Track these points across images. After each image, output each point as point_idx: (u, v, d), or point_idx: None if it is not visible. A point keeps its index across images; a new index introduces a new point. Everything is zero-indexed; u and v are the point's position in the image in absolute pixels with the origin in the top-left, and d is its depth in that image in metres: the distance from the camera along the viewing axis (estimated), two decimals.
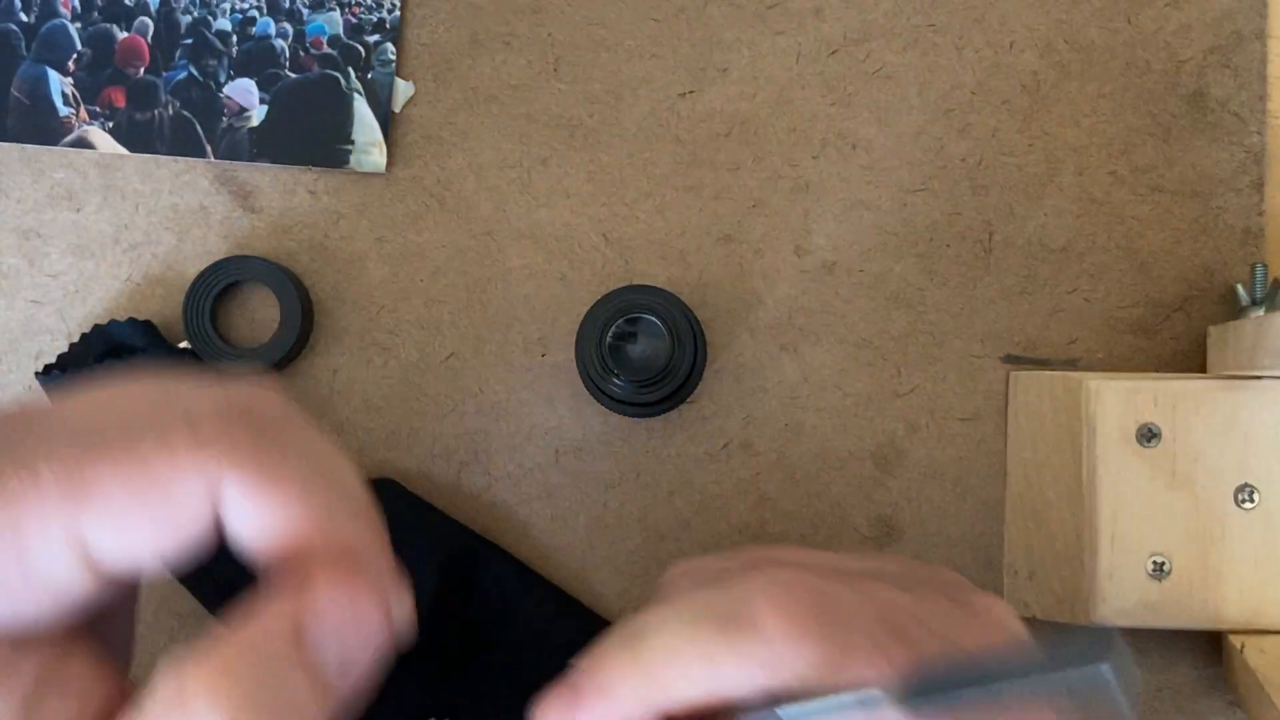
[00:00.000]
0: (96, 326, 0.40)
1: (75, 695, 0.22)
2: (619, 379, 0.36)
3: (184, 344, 0.41)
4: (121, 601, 0.24)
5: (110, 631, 0.25)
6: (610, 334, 0.36)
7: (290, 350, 0.41)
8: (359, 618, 0.22)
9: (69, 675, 0.22)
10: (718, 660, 0.25)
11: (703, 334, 0.37)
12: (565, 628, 0.41)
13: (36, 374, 0.40)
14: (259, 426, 0.22)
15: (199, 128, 0.42)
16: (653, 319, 0.36)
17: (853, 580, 0.27)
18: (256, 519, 0.21)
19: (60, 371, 0.39)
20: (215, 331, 0.41)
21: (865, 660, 0.24)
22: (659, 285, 0.39)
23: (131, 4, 0.42)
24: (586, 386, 0.38)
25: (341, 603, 0.22)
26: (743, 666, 0.25)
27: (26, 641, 0.22)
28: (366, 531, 0.22)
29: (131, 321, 0.40)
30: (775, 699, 0.25)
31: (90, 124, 0.42)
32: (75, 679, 0.22)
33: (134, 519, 0.21)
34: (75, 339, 0.41)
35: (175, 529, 0.21)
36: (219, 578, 0.37)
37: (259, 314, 0.42)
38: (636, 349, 0.36)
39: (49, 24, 0.42)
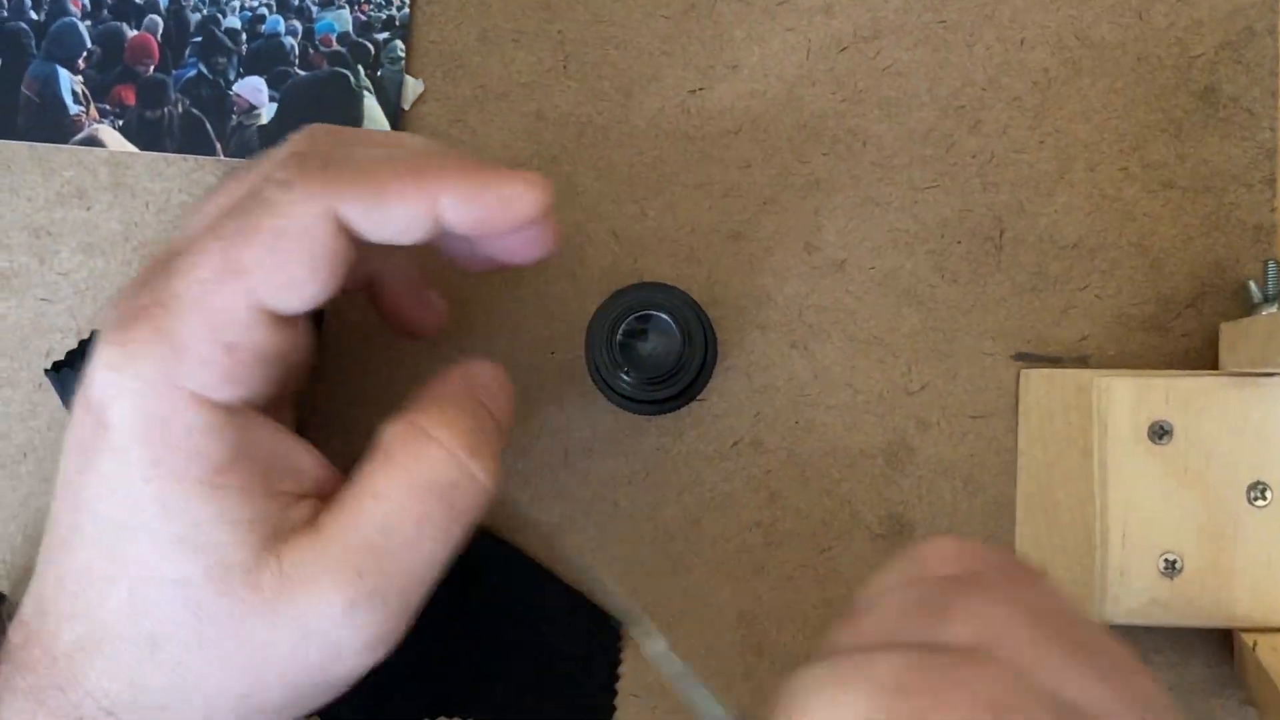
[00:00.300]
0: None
1: (296, 472, 0.29)
2: (629, 376, 0.36)
3: None
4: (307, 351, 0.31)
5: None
6: (620, 331, 0.35)
7: None
8: (503, 381, 0.32)
9: (290, 459, 0.29)
10: None
11: (713, 331, 0.37)
12: (575, 628, 0.41)
13: (46, 370, 0.40)
14: (324, 158, 0.28)
15: (209, 126, 0.42)
16: (663, 316, 0.36)
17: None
18: (375, 217, 0.28)
19: (70, 369, 0.39)
20: None
21: None
22: (669, 282, 0.39)
23: (141, 2, 0.42)
24: (596, 383, 0.38)
25: (491, 373, 0.32)
26: None
27: (255, 423, 0.28)
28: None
29: None
30: None
31: (100, 122, 0.42)
32: (294, 461, 0.29)
33: (286, 270, 0.27)
34: (85, 336, 0.41)
35: (319, 256, 0.27)
36: None
37: None
38: (647, 346, 0.35)
39: (59, 22, 0.42)
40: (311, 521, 0.28)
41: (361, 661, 0.29)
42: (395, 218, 0.28)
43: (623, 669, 0.41)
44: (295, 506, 0.28)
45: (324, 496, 0.29)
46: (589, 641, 0.41)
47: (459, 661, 0.40)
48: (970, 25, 0.42)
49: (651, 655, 0.28)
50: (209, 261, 0.27)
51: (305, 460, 0.29)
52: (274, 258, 0.27)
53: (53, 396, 0.41)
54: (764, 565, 0.41)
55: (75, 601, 0.28)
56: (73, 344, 0.41)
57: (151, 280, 0.27)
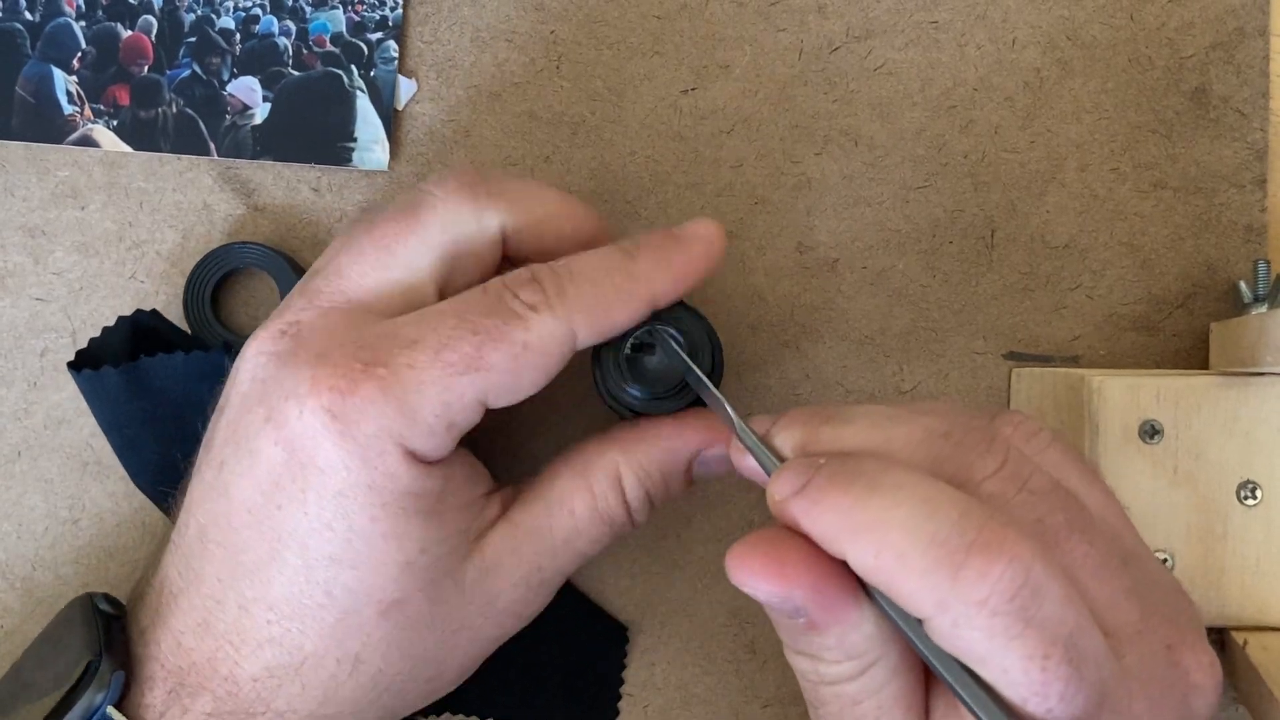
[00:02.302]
0: (120, 318, 0.40)
1: (480, 477, 0.33)
2: (636, 391, 0.35)
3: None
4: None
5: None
6: (628, 347, 0.35)
7: None
8: (723, 460, 0.33)
9: (470, 469, 0.33)
10: (927, 593, 0.24)
11: (720, 346, 0.36)
12: (581, 629, 0.41)
13: (69, 364, 0.40)
14: (562, 282, 0.31)
15: (202, 126, 0.42)
16: (671, 332, 0.35)
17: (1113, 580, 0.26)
18: (601, 335, 0.32)
19: (94, 370, 0.39)
20: (216, 318, 0.41)
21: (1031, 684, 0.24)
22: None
23: (135, 2, 0.42)
24: (601, 396, 0.37)
25: (720, 455, 0.34)
26: (934, 610, 0.24)
27: (450, 463, 0.31)
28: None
29: (155, 312, 0.40)
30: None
31: (95, 122, 0.42)
32: (471, 469, 0.33)
33: (518, 379, 0.30)
34: (79, 335, 0.41)
35: (548, 373, 0.31)
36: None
37: (260, 300, 0.42)
38: (654, 360, 0.34)
39: (53, 22, 0.42)
40: (505, 515, 0.32)
41: (517, 628, 0.33)
42: (618, 323, 0.32)
43: (626, 672, 0.41)
44: (489, 505, 0.32)
45: (499, 490, 0.33)
46: (595, 643, 0.41)
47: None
48: (962, 25, 0.42)
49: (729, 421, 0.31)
50: (458, 350, 0.29)
51: (479, 464, 0.33)
52: (514, 367, 0.30)
53: (48, 395, 0.41)
54: None
55: (270, 629, 0.30)
56: (68, 343, 0.41)
57: (372, 340, 0.30)
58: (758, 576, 0.26)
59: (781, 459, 0.29)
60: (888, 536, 0.24)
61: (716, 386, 0.35)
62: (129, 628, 0.32)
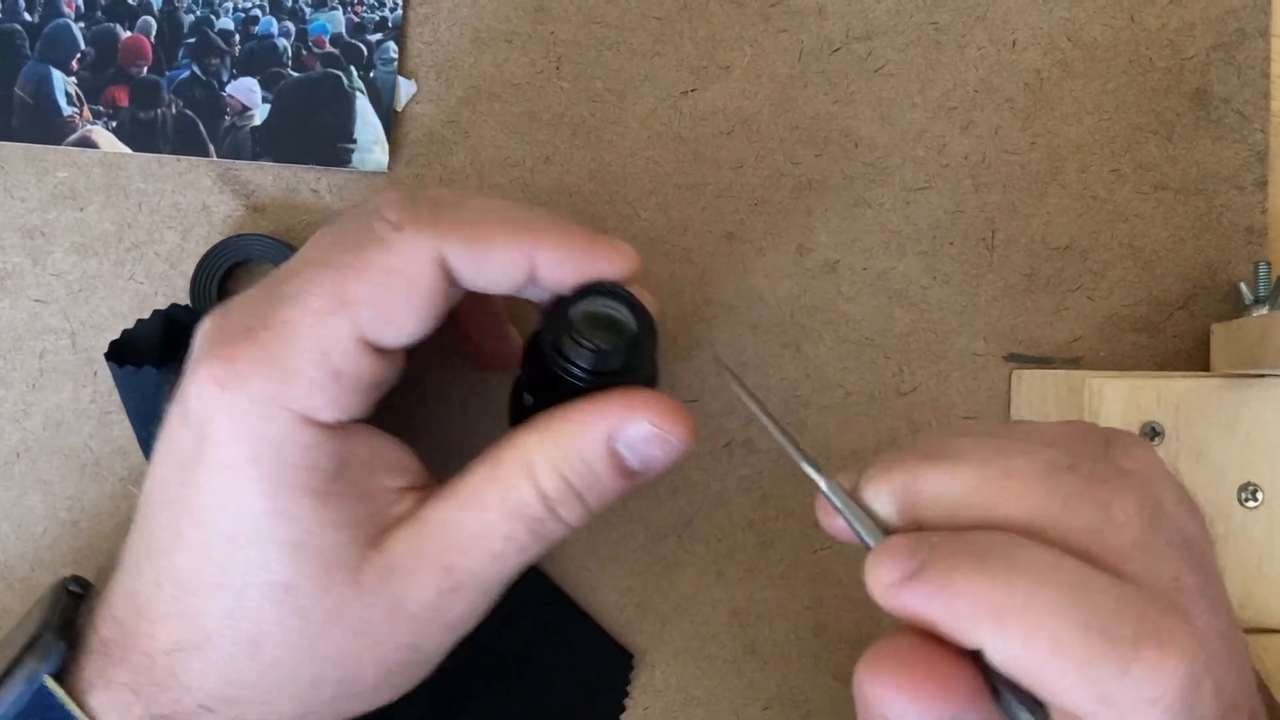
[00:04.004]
0: (156, 311, 0.40)
1: (395, 467, 0.30)
2: (580, 366, 0.31)
3: None
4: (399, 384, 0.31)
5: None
6: (579, 313, 0.31)
7: None
8: (659, 440, 0.30)
9: (386, 456, 0.30)
10: (1089, 687, 0.22)
11: (655, 341, 0.31)
12: (586, 653, 0.40)
13: (106, 355, 0.40)
14: (437, 205, 0.29)
15: (202, 127, 0.42)
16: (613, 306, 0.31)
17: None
18: (475, 265, 0.29)
19: (136, 366, 0.39)
20: None
21: None
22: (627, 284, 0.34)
23: (134, 3, 0.42)
24: (551, 371, 0.32)
25: (646, 433, 0.30)
26: (1096, 705, 0.22)
27: (355, 432, 0.29)
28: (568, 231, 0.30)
29: (188, 307, 0.40)
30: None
31: (94, 123, 0.42)
32: (391, 458, 0.30)
33: (390, 306, 0.28)
34: (78, 337, 0.41)
35: (423, 298, 0.29)
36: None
37: None
38: (601, 338, 0.30)
39: (52, 23, 0.42)
40: (414, 513, 0.30)
41: (445, 641, 0.31)
42: (494, 266, 0.29)
43: (629, 700, 0.41)
44: (399, 501, 0.30)
45: (421, 489, 0.31)
46: (599, 668, 0.41)
47: (467, 672, 0.40)
48: (962, 27, 0.42)
49: (824, 489, 0.27)
50: (321, 291, 0.28)
51: (404, 458, 0.31)
52: (382, 294, 0.28)
53: (47, 397, 0.41)
54: (756, 565, 0.41)
55: (175, 604, 0.29)
56: (67, 344, 0.41)
57: (259, 304, 0.29)
58: (914, 695, 0.23)
59: (879, 522, 0.26)
60: (1041, 621, 0.22)
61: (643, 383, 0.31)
62: (89, 605, 0.32)
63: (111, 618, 0.31)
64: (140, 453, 0.41)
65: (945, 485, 0.25)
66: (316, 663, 0.29)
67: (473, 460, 0.31)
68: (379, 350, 0.29)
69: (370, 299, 0.28)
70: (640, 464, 0.30)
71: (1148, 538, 0.24)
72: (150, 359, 0.38)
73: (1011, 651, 0.22)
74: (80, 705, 0.29)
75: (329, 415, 0.28)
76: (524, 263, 0.29)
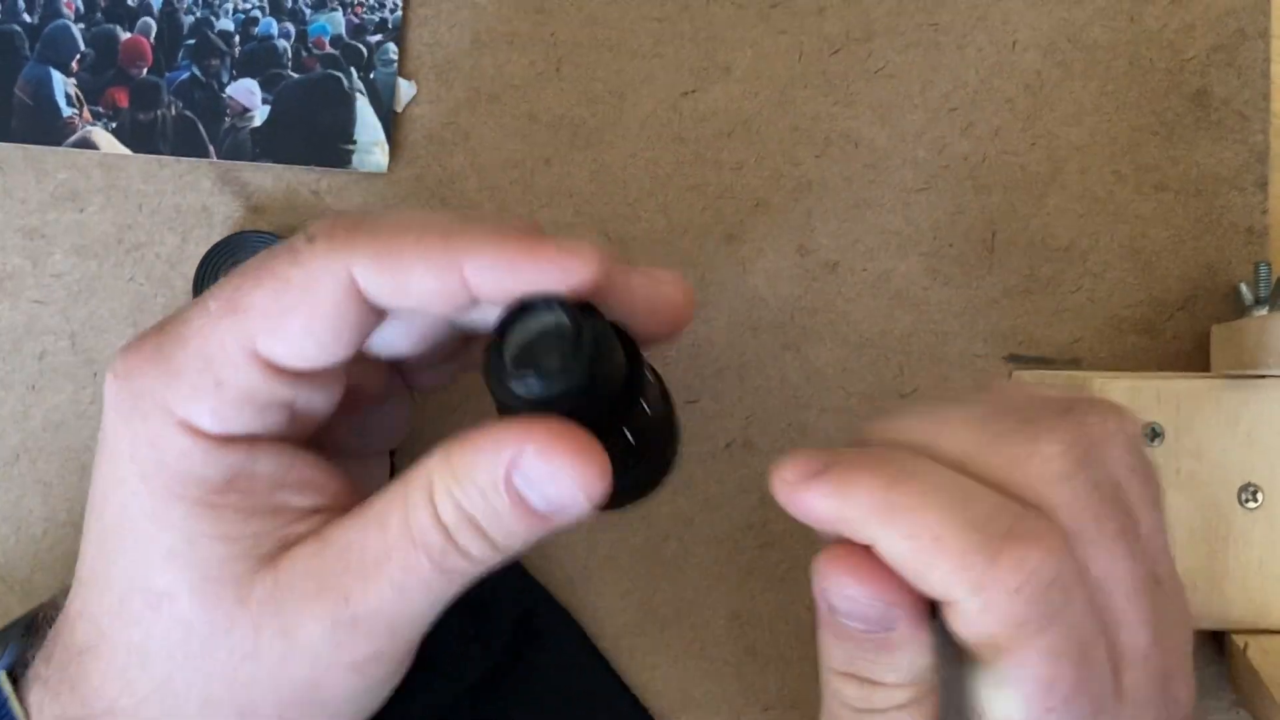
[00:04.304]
0: None
1: (309, 487, 0.28)
2: (522, 383, 0.25)
3: None
4: (337, 406, 0.29)
5: (347, 438, 0.32)
6: (512, 315, 0.26)
7: None
8: (558, 478, 0.25)
9: (299, 474, 0.28)
10: (962, 574, 0.24)
11: (631, 365, 0.26)
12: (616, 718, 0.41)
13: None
14: (356, 219, 0.27)
15: (202, 128, 0.42)
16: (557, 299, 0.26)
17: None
18: (390, 284, 0.26)
19: None
20: None
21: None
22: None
23: (134, 5, 0.42)
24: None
25: (549, 473, 0.25)
26: (967, 592, 0.24)
27: (259, 448, 0.27)
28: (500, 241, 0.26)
29: None
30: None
31: (93, 124, 0.42)
32: (306, 476, 0.28)
33: (285, 321, 0.26)
34: (78, 338, 0.41)
35: (323, 317, 0.26)
36: None
37: None
38: (552, 355, 0.25)
39: (52, 25, 0.42)
40: (317, 533, 0.27)
41: (351, 683, 0.28)
42: (413, 283, 0.26)
43: (627, 676, 0.41)
44: (302, 521, 0.28)
45: (341, 509, 0.28)
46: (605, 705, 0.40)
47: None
48: (962, 27, 0.42)
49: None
50: (218, 295, 0.27)
51: (320, 476, 0.28)
52: (275, 305, 0.26)
53: (47, 398, 0.41)
54: (756, 567, 0.41)
55: (80, 603, 0.28)
56: (66, 346, 0.41)
57: (182, 308, 0.28)
58: (858, 579, 0.25)
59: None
60: (924, 518, 0.24)
61: (621, 424, 0.26)
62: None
63: (59, 612, 0.30)
64: None
65: (884, 434, 0.27)
66: (207, 682, 0.27)
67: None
68: (277, 368, 0.26)
69: (262, 309, 0.26)
70: (545, 505, 0.26)
71: (1073, 473, 0.25)
72: None
73: (898, 547, 0.24)
74: (20, 698, 0.29)
75: (211, 426, 0.26)
76: (449, 277, 0.25)
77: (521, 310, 0.25)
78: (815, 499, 0.25)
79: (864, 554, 0.25)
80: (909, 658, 0.26)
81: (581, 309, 0.25)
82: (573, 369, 0.24)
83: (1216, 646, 0.40)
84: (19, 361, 0.41)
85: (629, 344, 0.27)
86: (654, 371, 0.27)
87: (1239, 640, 0.38)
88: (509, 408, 0.26)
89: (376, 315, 0.27)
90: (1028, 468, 0.25)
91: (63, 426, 0.41)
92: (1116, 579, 0.26)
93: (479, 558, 0.27)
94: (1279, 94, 0.42)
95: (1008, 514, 0.24)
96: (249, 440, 0.27)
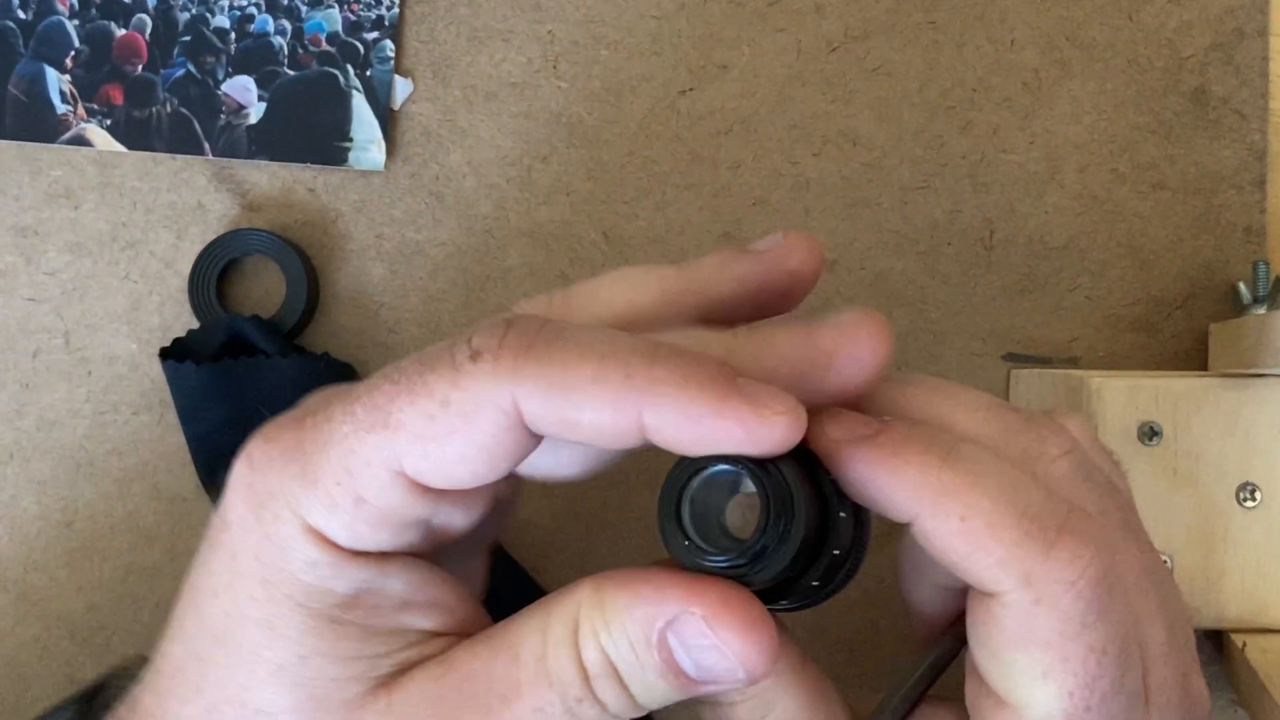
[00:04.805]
0: (224, 318, 0.40)
1: (436, 609, 0.25)
2: (716, 557, 0.23)
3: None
4: (478, 529, 0.27)
5: (472, 567, 0.29)
6: (700, 475, 0.24)
7: (299, 320, 0.41)
8: (715, 650, 0.23)
9: (428, 594, 0.25)
10: (1014, 564, 0.23)
11: (835, 486, 0.24)
12: None
13: (160, 353, 0.40)
14: (529, 336, 0.23)
15: (197, 125, 0.42)
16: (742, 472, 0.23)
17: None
18: (559, 418, 0.23)
19: (197, 364, 0.39)
20: (221, 305, 0.41)
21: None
22: None
23: (129, 1, 0.42)
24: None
25: (699, 629, 0.23)
26: (1017, 583, 0.23)
27: (391, 563, 0.25)
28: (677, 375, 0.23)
29: (255, 319, 0.40)
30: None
31: (88, 121, 0.41)
32: (435, 597, 0.25)
33: (437, 446, 0.23)
34: (72, 336, 0.41)
35: (480, 446, 0.23)
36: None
37: (266, 287, 0.42)
38: (738, 514, 0.24)
39: (46, 21, 0.42)
40: (441, 657, 0.25)
41: None
42: (585, 421, 0.23)
43: None
44: (425, 644, 0.25)
45: (466, 634, 0.26)
46: None
47: None
48: (960, 26, 0.42)
49: None
50: (369, 403, 0.24)
51: (449, 597, 0.26)
52: (429, 428, 0.23)
53: (41, 397, 0.41)
54: None
55: (158, 701, 0.26)
56: (61, 344, 0.41)
57: (331, 395, 0.25)
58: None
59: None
60: (979, 502, 0.23)
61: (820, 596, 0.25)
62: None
63: (121, 694, 0.27)
64: (137, 454, 0.41)
65: (898, 401, 0.26)
66: None
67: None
68: (422, 487, 0.24)
69: (414, 429, 0.23)
70: (696, 671, 0.24)
71: (1077, 475, 0.25)
72: (203, 360, 0.38)
73: (947, 526, 0.23)
74: None
75: (346, 540, 0.24)
76: (625, 422, 0.23)
77: (701, 464, 0.23)
78: (862, 465, 0.23)
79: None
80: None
81: (762, 468, 0.23)
82: (758, 541, 0.22)
83: (1215, 645, 0.40)
84: (12, 360, 0.41)
85: (821, 478, 0.24)
86: (841, 496, 0.25)
87: (1237, 639, 0.37)
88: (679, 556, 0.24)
89: (537, 440, 0.24)
90: (1038, 464, 0.25)
91: (57, 425, 0.41)
92: (1132, 574, 0.25)
93: (614, 711, 0.24)
94: (1277, 92, 0.42)
95: (1059, 506, 0.24)
96: (381, 555, 0.25)
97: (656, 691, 0.24)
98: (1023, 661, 0.24)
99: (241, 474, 0.24)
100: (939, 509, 0.23)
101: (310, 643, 0.24)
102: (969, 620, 0.25)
